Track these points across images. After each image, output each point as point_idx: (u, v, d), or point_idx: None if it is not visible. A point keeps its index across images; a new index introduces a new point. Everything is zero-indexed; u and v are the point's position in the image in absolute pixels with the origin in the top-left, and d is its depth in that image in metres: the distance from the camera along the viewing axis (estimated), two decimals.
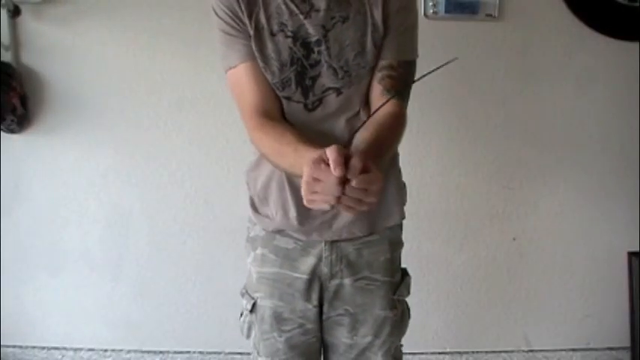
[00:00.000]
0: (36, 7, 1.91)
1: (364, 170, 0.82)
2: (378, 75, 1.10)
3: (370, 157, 0.86)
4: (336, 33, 1.07)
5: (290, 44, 1.07)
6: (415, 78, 0.88)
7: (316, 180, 0.82)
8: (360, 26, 1.08)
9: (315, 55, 1.08)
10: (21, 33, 1.94)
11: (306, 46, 1.07)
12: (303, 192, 0.84)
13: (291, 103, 1.10)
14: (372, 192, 0.83)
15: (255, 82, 1.08)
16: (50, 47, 1.95)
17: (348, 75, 1.09)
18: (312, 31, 1.07)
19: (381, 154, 0.98)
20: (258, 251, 1.20)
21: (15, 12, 1.87)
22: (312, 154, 0.86)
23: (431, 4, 1.92)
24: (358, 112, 1.12)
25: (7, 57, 1.92)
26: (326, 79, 1.09)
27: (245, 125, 1.10)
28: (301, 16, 1.07)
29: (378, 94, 1.10)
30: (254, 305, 1.20)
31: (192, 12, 1.91)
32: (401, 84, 1.11)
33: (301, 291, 1.16)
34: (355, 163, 0.81)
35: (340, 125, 1.11)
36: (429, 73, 0.86)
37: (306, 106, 1.10)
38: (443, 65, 0.85)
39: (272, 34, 1.07)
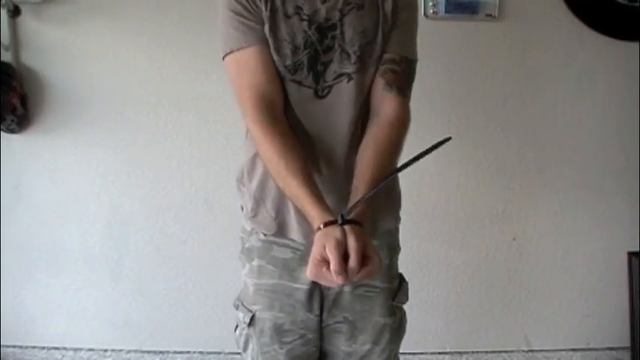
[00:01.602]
0: (36, 7, 1.91)
1: (364, 262, 0.87)
2: (381, 68, 1.10)
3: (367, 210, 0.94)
4: (351, 18, 1.07)
5: (305, 27, 1.06)
6: (408, 161, 0.92)
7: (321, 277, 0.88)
8: (374, 16, 1.09)
9: (328, 41, 1.07)
10: (21, 33, 1.94)
11: (321, 31, 1.07)
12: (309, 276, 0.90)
13: (302, 87, 1.09)
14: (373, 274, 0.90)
15: (263, 68, 1.06)
16: (50, 47, 1.95)
17: (360, 61, 1.08)
18: (328, 15, 1.07)
19: (380, 181, 1.00)
20: (255, 262, 1.17)
21: (15, 12, 1.87)
22: (316, 210, 0.93)
23: (431, 4, 1.92)
24: (364, 104, 1.11)
25: (7, 57, 1.92)
26: (338, 65, 1.08)
27: (244, 112, 1.08)
28: (318, 2, 1.07)
29: (379, 88, 1.09)
30: (252, 318, 1.17)
31: (192, 12, 1.91)
32: (403, 79, 1.10)
33: (302, 301, 1.14)
34: (353, 265, 0.86)
35: (347, 115, 1.10)
36: (423, 154, 0.88)
37: (316, 92, 1.09)
38: (438, 145, 0.87)
39: (287, 17, 1.06)
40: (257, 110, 1.05)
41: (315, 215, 0.93)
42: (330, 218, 0.91)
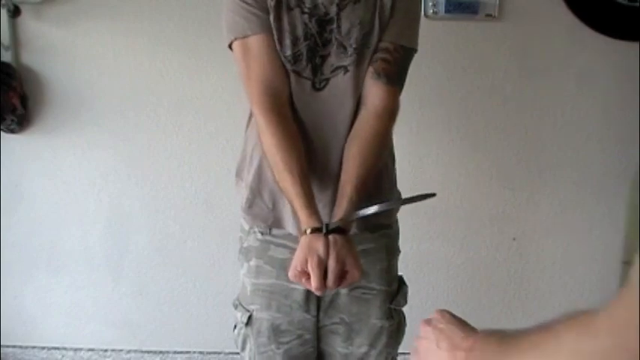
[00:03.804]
0: (36, 7, 1.91)
1: (342, 274, 0.97)
2: (374, 57, 1.11)
3: (353, 208, 1.00)
4: (348, 12, 1.09)
5: (306, 20, 1.08)
6: (390, 202, 1.02)
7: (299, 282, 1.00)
8: (370, 7, 1.10)
9: (326, 34, 1.09)
10: (21, 33, 1.94)
11: (320, 24, 1.09)
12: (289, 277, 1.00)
13: (301, 79, 1.10)
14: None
15: (268, 57, 1.08)
16: (50, 47, 1.95)
17: (357, 53, 1.09)
18: (326, 9, 1.08)
19: (368, 180, 1.05)
20: (253, 262, 1.17)
21: (15, 12, 1.87)
22: (303, 213, 0.99)
23: (431, 4, 1.91)
24: (360, 97, 1.12)
25: (7, 57, 1.92)
26: (335, 58, 1.09)
27: (249, 98, 1.10)
28: None
29: (368, 77, 1.10)
30: (250, 318, 1.17)
31: (192, 12, 1.90)
32: (394, 69, 1.11)
33: (299, 302, 1.14)
34: (330, 285, 0.96)
35: (344, 108, 1.10)
36: (408, 201, 0.94)
37: (314, 84, 1.10)
38: (423, 198, 0.93)
39: (289, 9, 1.08)
40: (263, 99, 1.07)
41: (303, 218, 0.97)
42: (317, 225, 0.96)
